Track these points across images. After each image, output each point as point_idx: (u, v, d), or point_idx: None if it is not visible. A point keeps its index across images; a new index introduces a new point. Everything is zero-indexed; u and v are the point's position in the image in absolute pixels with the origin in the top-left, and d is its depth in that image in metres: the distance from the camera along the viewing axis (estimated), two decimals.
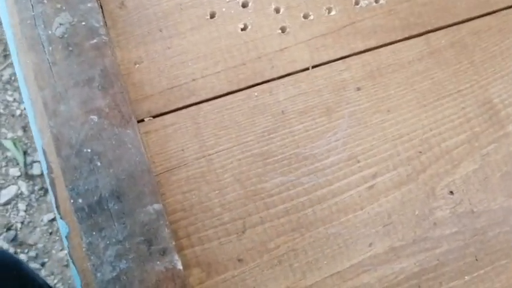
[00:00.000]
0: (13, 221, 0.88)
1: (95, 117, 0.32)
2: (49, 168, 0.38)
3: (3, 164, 0.89)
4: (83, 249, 0.32)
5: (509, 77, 0.46)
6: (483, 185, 0.43)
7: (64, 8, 0.34)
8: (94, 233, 0.31)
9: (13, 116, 0.91)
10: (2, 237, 0.87)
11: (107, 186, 0.32)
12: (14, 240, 0.88)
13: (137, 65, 0.40)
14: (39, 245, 0.88)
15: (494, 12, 0.47)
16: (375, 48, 0.44)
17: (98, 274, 0.31)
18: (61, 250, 0.89)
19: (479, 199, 0.43)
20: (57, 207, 0.38)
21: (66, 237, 0.38)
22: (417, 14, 0.45)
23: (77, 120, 0.32)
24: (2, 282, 0.57)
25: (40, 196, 0.90)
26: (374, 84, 0.43)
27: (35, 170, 0.90)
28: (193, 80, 0.41)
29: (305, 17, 0.44)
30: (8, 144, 0.90)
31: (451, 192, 0.43)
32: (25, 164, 0.90)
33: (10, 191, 0.89)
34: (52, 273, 0.87)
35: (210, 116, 0.41)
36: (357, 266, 0.40)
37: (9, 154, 0.90)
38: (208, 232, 0.39)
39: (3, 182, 0.89)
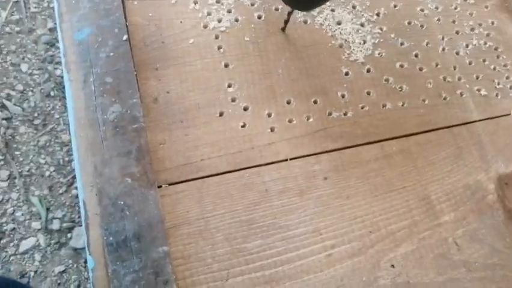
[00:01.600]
0: (27, 269, 0.99)
1: (129, 179, 0.46)
2: (86, 216, 0.51)
3: (28, 217, 1.02)
4: (108, 274, 0.44)
5: (444, 180, 0.59)
6: (418, 262, 0.55)
7: (117, 101, 0.48)
8: (118, 263, 0.44)
9: (42, 176, 1.05)
10: None
11: (131, 229, 0.45)
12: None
13: (162, 145, 0.54)
14: None
15: (434, 130, 0.61)
16: (341, 149, 0.58)
17: None
18: None
19: (415, 273, 0.55)
20: (88, 245, 0.50)
21: (92, 269, 0.50)
22: (375, 126, 0.60)
23: (116, 180, 0.46)
24: None
25: (55, 249, 1.01)
26: (338, 176, 0.57)
27: (54, 226, 1.02)
28: (202, 160, 0.55)
29: (290, 121, 0.58)
30: (34, 200, 1.03)
31: (392, 266, 0.54)
32: (46, 220, 1.03)
33: (29, 242, 1.00)
34: None
35: (211, 188, 0.54)
36: None
37: (34, 209, 1.03)
38: (200, 277, 0.51)
39: (24, 233, 1.01)
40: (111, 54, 0.51)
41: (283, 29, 0.61)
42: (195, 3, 0.60)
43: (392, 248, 0.55)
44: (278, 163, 0.56)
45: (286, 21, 0.60)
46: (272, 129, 0.57)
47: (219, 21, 0.60)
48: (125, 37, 0.53)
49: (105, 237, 0.45)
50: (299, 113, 0.59)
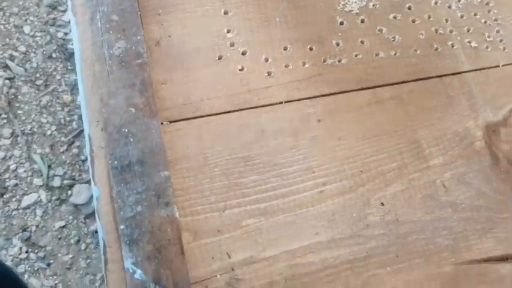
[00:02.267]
0: (29, 224, 1.01)
1: (133, 109, 0.48)
2: (91, 150, 0.53)
3: (30, 174, 1.04)
4: (113, 196, 0.47)
5: (434, 126, 0.61)
6: (407, 201, 0.58)
7: (122, 37, 0.51)
8: (122, 184, 0.46)
9: (44, 135, 1.07)
10: (17, 236, 1.00)
11: (135, 155, 0.47)
12: (27, 240, 1.00)
13: (163, 85, 0.56)
14: (48, 248, 1.01)
15: (426, 78, 0.63)
16: (335, 93, 0.60)
17: (121, 213, 0.46)
18: (66, 254, 1.01)
19: (403, 212, 0.57)
20: (93, 177, 0.53)
21: (96, 198, 0.52)
22: (368, 73, 0.62)
23: (121, 110, 0.48)
24: None
25: (56, 205, 1.03)
26: (331, 119, 0.59)
27: (55, 183, 1.05)
28: (201, 100, 0.57)
29: (286, 66, 0.60)
30: (36, 158, 1.05)
31: (382, 204, 0.57)
32: (48, 177, 1.05)
33: (31, 198, 1.03)
34: (55, 274, 0.99)
35: (210, 127, 0.56)
36: (305, 248, 0.54)
37: (35, 166, 1.05)
38: (198, 208, 0.53)
39: (27, 189, 1.04)
40: None
41: None
42: None
43: (382, 187, 0.58)
44: (274, 105, 0.59)
45: None
46: (269, 74, 0.60)
47: None
48: None
49: (110, 162, 0.47)
50: (295, 58, 0.61)
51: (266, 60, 0.60)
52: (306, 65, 0.61)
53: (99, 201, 0.52)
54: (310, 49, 0.62)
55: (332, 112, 0.59)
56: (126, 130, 0.48)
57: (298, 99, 0.59)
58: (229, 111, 0.57)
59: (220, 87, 0.58)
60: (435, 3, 0.67)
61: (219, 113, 0.57)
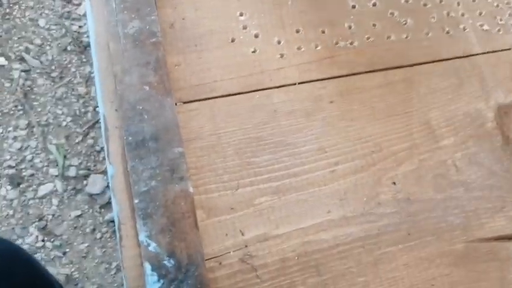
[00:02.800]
0: (45, 213, 1.03)
1: (147, 87, 0.49)
2: (106, 129, 0.54)
3: (45, 164, 1.06)
4: (128, 170, 0.48)
5: (445, 107, 0.62)
6: (418, 181, 0.58)
7: (136, 17, 0.52)
8: (137, 160, 0.47)
9: (59, 126, 1.09)
10: (34, 225, 1.02)
11: (149, 131, 0.48)
12: (43, 229, 1.02)
13: (177, 67, 0.57)
14: (64, 236, 1.02)
15: (437, 61, 0.64)
16: (347, 75, 0.61)
17: (136, 187, 0.47)
18: (82, 243, 1.03)
19: (414, 191, 0.58)
20: (108, 155, 0.54)
21: (111, 176, 0.53)
22: (380, 56, 0.63)
23: (135, 87, 0.49)
24: (16, 278, 0.61)
25: (71, 195, 1.05)
26: (343, 100, 0.60)
27: (71, 173, 1.06)
28: (214, 81, 0.58)
29: (298, 48, 0.61)
30: (52, 148, 1.07)
31: (394, 183, 0.58)
32: (63, 167, 1.07)
33: (47, 188, 1.05)
34: (71, 262, 1.01)
35: (223, 107, 0.57)
36: (317, 225, 0.55)
37: (51, 157, 1.07)
38: (212, 186, 0.54)
39: (43, 179, 1.06)
40: None
41: None
42: None
43: (394, 167, 0.58)
44: (287, 86, 0.59)
45: None
46: (281, 55, 0.60)
47: None
48: None
49: (125, 138, 0.48)
50: (307, 41, 0.62)
51: (278, 42, 0.61)
52: (318, 47, 0.61)
53: (114, 179, 0.53)
54: (323, 32, 0.62)
55: (344, 93, 0.60)
56: (140, 107, 0.49)
57: (310, 81, 0.60)
58: (242, 93, 0.58)
59: (233, 69, 0.59)
60: None
61: (232, 94, 0.58)
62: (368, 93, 0.61)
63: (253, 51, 0.60)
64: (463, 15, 0.67)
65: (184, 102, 0.57)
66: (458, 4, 0.67)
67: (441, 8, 0.66)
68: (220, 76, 0.58)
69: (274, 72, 0.60)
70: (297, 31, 0.62)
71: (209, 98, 0.57)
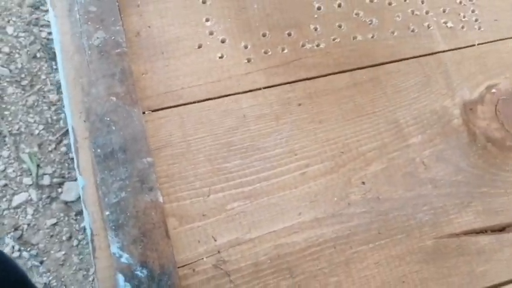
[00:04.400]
0: (21, 223, 1.02)
1: (114, 98, 0.49)
2: (75, 141, 0.54)
3: (19, 173, 1.05)
4: (97, 182, 0.48)
5: (412, 106, 0.63)
6: (388, 180, 0.59)
7: (100, 28, 0.51)
8: (106, 172, 0.47)
9: (32, 134, 1.08)
10: (9, 235, 1.00)
11: (117, 143, 0.48)
12: (19, 238, 1.01)
13: (144, 75, 0.57)
14: (41, 245, 1.01)
15: (403, 59, 0.65)
16: (314, 77, 0.61)
17: (106, 199, 0.47)
18: (58, 251, 1.02)
19: (384, 190, 0.59)
20: (78, 167, 0.54)
21: (82, 187, 0.53)
22: (347, 57, 0.63)
23: (102, 99, 0.49)
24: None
25: (46, 203, 1.04)
26: (311, 103, 0.60)
27: (45, 181, 1.05)
28: (182, 88, 0.58)
29: (265, 52, 0.61)
30: (25, 157, 1.06)
31: (363, 183, 0.58)
32: (37, 175, 1.05)
33: (21, 197, 1.03)
34: (49, 271, 1.00)
35: (192, 114, 0.57)
36: (289, 228, 0.55)
37: (24, 166, 1.06)
38: (183, 193, 0.54)
39: (16, 188, 1.04)
40: None
41: None
42: None
43: (363, 167, 0.59)
44: (255, 91, 0.60)
45: None
46: (249, 60, 0.61)
47: None
48: None
49: (93, 150, 0.48)
50: (274, 44, 0.62)
51: (245, 47, 0.61)
52: (285, 50, 0.62)
53: (85, 190, 0.52)
54: (289, 34, 0.63)
55: (312, 96, 0.61)
56: (108, 119, 0.48)
57: (278, 84, 0.60)
58: (211, 99, 0.58)
59: (200, 75, 0.59)
60: None
61: (201, 101, 0.58)
62: (336, 94, 0.61)
63: (221, 57, 0.60)
64: (427, 13, 0.68)
65: (153, 111, 0.57)
66: (423, 2, 0.68)
67: (406, 7, 0.67)
68: (188, 83, 0.58)
69: (242, 77, 0.60)
70: (264, 35, 0.62)
71: (177, 105, 0.57)
